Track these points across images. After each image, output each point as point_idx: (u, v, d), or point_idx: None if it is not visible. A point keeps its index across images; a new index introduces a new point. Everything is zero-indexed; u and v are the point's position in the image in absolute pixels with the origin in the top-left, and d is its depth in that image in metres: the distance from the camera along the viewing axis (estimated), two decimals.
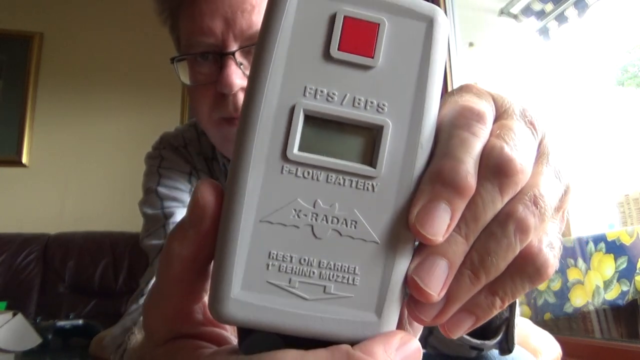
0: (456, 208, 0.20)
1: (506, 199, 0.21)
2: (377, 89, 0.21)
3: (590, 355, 1.59)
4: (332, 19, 0.21)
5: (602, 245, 1.62)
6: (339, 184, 0.20)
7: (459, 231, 0.20)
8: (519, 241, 0.21)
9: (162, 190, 0.71)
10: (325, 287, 0.20)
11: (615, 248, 1.58)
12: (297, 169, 0.20)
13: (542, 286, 1.81)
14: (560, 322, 1.82)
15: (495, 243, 0.21)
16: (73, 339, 1.81)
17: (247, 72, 0.62)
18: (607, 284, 1.57)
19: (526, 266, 0.22)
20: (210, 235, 0.21)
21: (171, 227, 0.69)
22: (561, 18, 2.16)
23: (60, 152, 2.65)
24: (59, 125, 2.67)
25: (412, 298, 0.21)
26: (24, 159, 2.59)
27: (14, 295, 2.06)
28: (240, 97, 0.62)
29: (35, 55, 2.67)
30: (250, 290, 0.20)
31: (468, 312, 0.22)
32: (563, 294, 1.73)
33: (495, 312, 0.22)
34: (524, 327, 0.91)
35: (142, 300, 0.65)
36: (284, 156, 0.20)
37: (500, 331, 0.50)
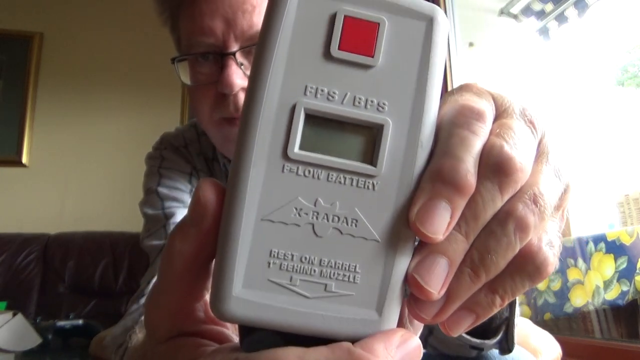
0: (456, 206, 0.20)
1: (506, 197, 0.21)
2: (377, 88, 0.21)
3: (590, 355, 1.59)
4: (333, 19, 0.21)
5: (602, 245, 1.63)
6: (340, 182, 0.21)
7: (459, 229, 0.21)
8: (518, 239, 0.21)
9: (162, 190, 0.71)
10: (326, 285, 0.20)
11: (615, 248, 1.58)
12: (298, 168, 0.20)
13: (542, 286, 1.81)
14: (560, 322, 1.82)
15: (495, 241, 0.21)
16: (73, 339, 1.81)
17: (248, 73, 0.62)
18: (607, 284, 1.57)
19: (526, 264, 0.22)
20: (212, 233, 0.21)
21: (172, 227, 0.69)
22: (561, 18, 2.16)
23: (60, 152, 2.65)
24: (59, 125, 2.67)
25: (413, 296, 0.21)
26: (24, 159, 2.59)
27: (14, 295, 2.06)
28: (241, 97, 0.62)
29: (35, 55, 2.67)
30: (252, 288, 0.20)
31: (468, 310, 0.22)
32: (563, 294, 1.73)
33: (496, 310, 0.22)
34: (524, 327, 0.91)
35: (142, 301, 0.65)
36: (285, 155, 0.20)
37: (500, 331, 0.50)
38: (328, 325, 0.20)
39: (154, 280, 0.24)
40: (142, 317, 0.57)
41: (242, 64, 0.62)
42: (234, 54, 0.61)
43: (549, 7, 2.20)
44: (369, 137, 0.21)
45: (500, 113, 0.24)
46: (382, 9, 0.21)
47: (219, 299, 0.20)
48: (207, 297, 0.24)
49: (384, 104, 0.21)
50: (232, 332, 0.25)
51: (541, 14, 2.24)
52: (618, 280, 1.54)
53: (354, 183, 0.21)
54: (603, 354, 1.57)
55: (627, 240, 1.55)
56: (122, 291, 2.19)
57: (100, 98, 2.72)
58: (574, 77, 2.21)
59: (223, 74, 0.61)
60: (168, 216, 0.70)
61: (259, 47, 0.21)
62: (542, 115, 0.24)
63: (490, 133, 0.22)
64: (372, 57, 0.21)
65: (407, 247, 0.21)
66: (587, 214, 1.92)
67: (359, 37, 0.21)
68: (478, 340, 0.51)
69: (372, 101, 0.21)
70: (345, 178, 0.21)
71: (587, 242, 1.67)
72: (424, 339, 0.59)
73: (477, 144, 0.21)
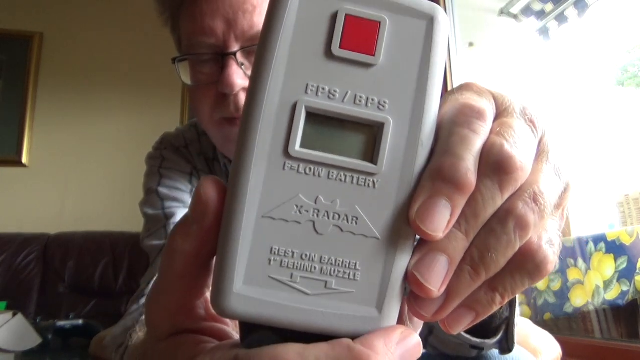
0: (456, 204, 0.20)
1: (506, 195, 0.21)
2: (378, 86, 0.21)
3: (590, 355, 1.59)
4: (334, 18, 0.21)
5: (602, 245, 1.63)
6: (341, 180, 0.21)
7: (459, 227, 0.21)
8: (518, 238, 0.21)
9: (163, 190, 0.72)
10: (326, 282, 0.20)
11: (615, 248, 1.58)
12: (299, 166, 0.20)
13: (542, 286, 1.81)
14: (560, 322, 1.82)
15: (495, 239, 0.21)
16: (73, 339, 1.81)
17: (249, 73, 0.62)
18: (607, 284, 1.57)
19: (526, 262, 0.22)
20: (213, 230, 0.21)
21: (172, 227, 0.69)
22: (561, 18, 2.16)
23: (60, 152, 2.65)
24: (59, 125, 2.67)
25: (413, 294, 0.21)
26: (24, 159, 2.59)
27: (14, 295, 2.06)
28: (242, 97, 0.63)
29: (35, 55, 2.67)
30: (253, 285, 0.20)
31: (468, 308, 0.22)
32: (563, 294, 1.73)
33: (495, 308, 0.22)
34: (524, 327, 0.91)
35: (142, 301, 0.65)
36: (286, 153, 0.20)
37: (500, 330, 0.50)
38: (328, 322, 0.20)
39: (155, 279, 0.24)
40: (143, 317, 0.57)
41: (242, 64, 0.62)
42: (234, 54, 0.61)
43: (549, 7, 2.20)
44: (370, 135, 0.21)
45: (501, 112, 0.24)
46: (383, 8, 0.21)
47: (220, 295, 0.20)
48: (208, 294, 0.24)
49: (384, 102, 0.21)
50: (233, 330, 0.25)
51: (541, 14, 2.25)
52: (618, 280, 1.54)
53: (355, 181, 0.21)
54: (603, 354, 1.57)
55: (627, 240, 1.55)
56: (122, 291, 2.19)
57: (100, 98, 2.72)
58: (574, 77, 2.21)
59: (224, 74, 0.61)
60: (168, 216, 0.70)
61: (260, 46, 0.21)
62: (543, 115, 0.24)
63: (491, 132, 0.22)
64: (373, 55, 0.21)
65: (407, 245, 0.21)
66: (587, 214, 1.92)
67: (360, 35, 0.21)
68: (478, 340, 0.51)
69: (372, 99, 0.21)
70: (345, 176, 0.21)
71: (587, 242, 1.67)
72: (424, 338, 0.59)
73: (477, 142, 0.21)
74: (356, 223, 0.21)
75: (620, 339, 1.64)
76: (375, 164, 0.21)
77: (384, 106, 0.21)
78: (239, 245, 0.20)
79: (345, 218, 0.21)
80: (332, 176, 0.21)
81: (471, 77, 2.01)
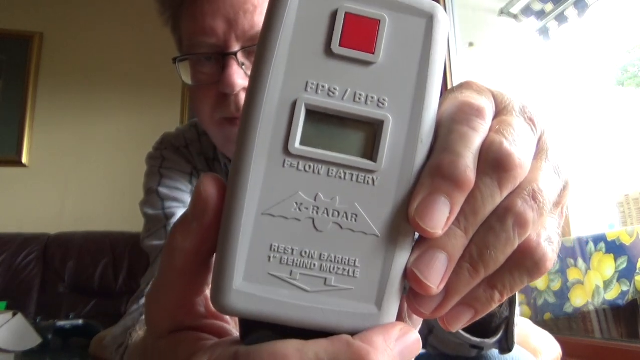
0: (455, 202, 0.20)
1: (505, 193, 0.21)
2: (377, 84, 0.21)
3: (590, 355, 1.59)
4: (334, 16, 0.21)
5: (602, 245, 1.63)
6: (340, 177, 0.21)
7: (458, 225, 0.21)
8: (517, 235, 0.21)
9: (163, 190, 0.72)
10: (326, 279, 0.20)
11: (615, 248, 1.58)
12: (298, 163, 0.21)
13: (542, 286, 1.81)
14: (560, 322, 1.82)
15: (494, 237, 0.21)
16: (73, 339, 1.81)
17: (249, 73, 0.62)
18: (607, 284, 1.57)
19: (525, 260, 0.22)
20: (213, 228, 0.21)
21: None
22: (561, 18, 2.16)
23: (60, 152, 2.65)
24: (59, 125, 2.68)
25: (412, 291, 0.21)
26: (24, 159, 2.59)
27: (14, 295, 2.06)
28: (242, 97, 0.63)
29: (35, 55, 2.67)
30: (252, 281, 0.20)
31: (467, 306, 0.22)
32: (563, 294, 1.73)
33: (494, 306, 0.22)
34: (524, 327, 0.91)
35: (142, 301, 0.65)
36: (286, 150, 0.20)
37: (500, 330, 0.50)
38: (328, 318, 0.20)
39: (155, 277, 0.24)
40: (143, 317, 0.57)
41: (243, 64, 0.62)
42: (235, 54, 0.61)
43: (549, 7, 2.20)
44: (369, 132, 0.21)
45: (500, 110, 0.24)
46: (382, 6, 0.21)
47: (219, 292, 0.20)
48: (208, 292, 0.24)
49: (384, 100, 0.21)
50: (233, 327, 0.25)
51: (541, 14, 2.25)
52: (618, 280, 1.54)
53: (354, 178, 0.21)
54: (603, 354, 1.57)
55: (627, 240, 1.55)
56: (122, 291, 2.19)
57: (100, 98, 2.72)
58: (574, 77, 2.21)
59: (224, 74, 0.61)
60: (168, 216, 0.70)
61: (260, 44, 0.21)
62: (542, 113, 0.24)
63: (490, 130, 0.22)
64: (373, 53, 0.21)
65: (406, 242, 0.21)
66: (587, 214, 1.93)
67: (359, 33, 0.21)
68: (478, 340, 0.51)
69: (372, 97, 0.21)
70: (345, 173, 0.21)
71: (587, 242, 1.67)
72: (424, 338, 0.59)
73: (476, 140, 0.21)
74: (356, 220, 0.21)
75: (620, 339, 1.64)
76: (375, 161, 0.21)
77: (383, 104, 0.21)
78: (239, 243, 0.20)
79: (345, 215, 0.21)
80: (332, 173, 0.21)
81: (471, 77, 2.01)
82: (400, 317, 0.22)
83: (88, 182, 2.64)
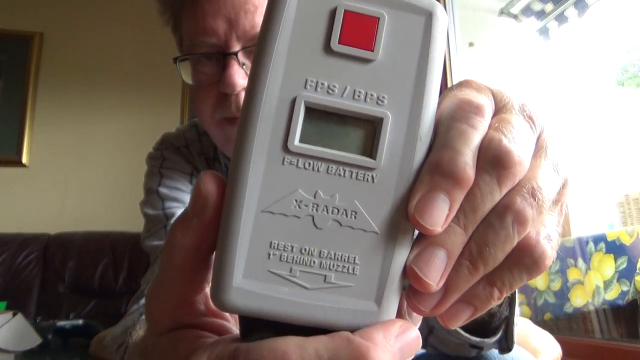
0: (455, 199, 0.20)
1: (504, 190, 0.21)
2: (377, 81, 0.21)
3: (590, 355, 1.59)
4: (333, 13, 0.21)
5: (602, 245, 1.63)
6: (340, 175, 0.21)
7: (458, 222, 0.21)
8: (516, 232, 0.21)
9: (163, 190, 0.72)
10: (325, 276, 0.20)
11: (615, 248, 1.58)
12: (298, 160, 0.21)
13: (542, 286, 1.81)
14: (560, 322, 1.82)
15: (494, 234, 0.21)
16: (73, 339, 1.81)
17: None
18: (607, 284, 1.57)
19: (524, 257, 0.22)
20: (213, 225, 0.21)
21: None
22: (561, 18, 2.16)
23: (60, 152, 2.65)
24: (59, 125, 2.68)
25: (411, 288, 0.21)
26: (24, 159, 2.59)
27: (14, 295, 2.06)
28: (243, 97, 0.63)
29: (35, 55, 2.67)
30: (252, 279, 0.20)
31: (466, 303, 0.22)
32: (563, 294, 1.73)
33: (494, 303, 0.22)
34: (524, 327, 0.91)
35: (142, 301, 0.65)
36: (285, 148, 0.20)
37: (499, 330, 0.50)
38: (327, 315, 0.20)
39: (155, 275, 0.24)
40: (143, 317, 0.57)
41: (244, 64, 0.62)
42: (236, 54, 0.62)
43: (549, 7, 2.20)
44: (369, 130, 0.21)
45: (500, 108, 0.24)
46: (381, 4, 0.21)
47: (219, 289, 0.20)
48: (208, 289, 0.24)
49: (383, 97, 0.21)
50: (233, 325, 0.25)
51: (541, 14, 2.25)
52: (618, 280, 1.54)
53: (354, 175, 0.21)
54: (603, 354, 1.57)
55: (627, 240, 1.55)
56: (122, 291, 2.19)
57: (100, 98, 2.72)
58: (574, 77, 2.21)
59: (225, 73, 0.61)
60: (169, 216, 0.70)
61: (260, 41, 0.21)
62: (541, 111, 0.24)
63: (489, 127, 0.22)
64: (372, 51, 0.21)
65: (406, 239, 0.21)
66: (587, 214, 1.92)
67: (359, 31, 0.21)
68: (478, 339, 0.51)
69: (371, 95, 0.21)
70: (344, 170, 0.21)
71: (587, 242, 1.67)
72: (424, 338, 0.59)
73: (475, 137, 0.21)
74: (355, 217, 0.21)
75: (620, 339, 1.64)
76: (374, 158, 0.21)
77: (382, 101, 0.21)
78: (239, 240, 0.20)
79: (344, 212, 0.21)
80: (331, 171, 0.21)
81: (471, 77, 2.00)
82: (399, 315, 0.22)
83: (88, 182, 2.64)
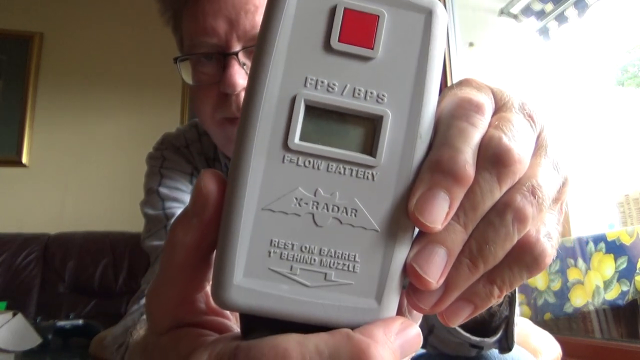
0: (455, 197, 0.20)
1: (504, 188, 0.21)
2: (376, 79, 0.21)
3: (590, 355, 1.59)
4: (333, 11, 0.21)
5: (602, 245, 1.63)
6: (340, 173, 0.21)
7: (458, 220, 0.21)
8: (516, 230, 0.21)
9: (163, 190, 0.72)
10: (326, 274, 0.20)
11: (615, 248, 1.58)
12: (298, 159, 0.21)
13: (542, 286, 1.81)
14: (560, 322, 1.82)
15: (494, 232, 0.21)
16: (73, 339, 1.81)
17: None
18: (607, 284, 1.57)
19: (524, 255, 0.22)
20: (213, 223, 0.21)
21: None
22: (561, 18, 2.16)
23: (60, 152, 2.65)
24: (59, 125, 2.68)
25: (412, 286, 0.21)
26: (24, 159, 2.59)
27: (14, 295, 2.06)
28: (243, 97, 0.62)
29: (35, 55, 2.67)
30: (252, 277, 0.20)
31: (466, 301, 0.22)
32: (563, 294, 1.73)
33: (494, 301, 0.22)
34: (524, 327, 0.91)
35: (143, 301, 0.65)
36: (285, 146, 0.20)
37: (499, 329, 0.50)
38: (328, 313, 0.20)
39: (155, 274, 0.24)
40: (143, 316, 0.57)
41: (244, 64, 0.62)
42: (236, 54, 0.62)
43: (549, 7, 2.20)
44: (369, 128, 0.21)
45: (500, 107, 0.24)
46: (381, 2, 0.21)
47: (220, 287, 0.20)
48: (208, 288, 0.24)
49: (383, 95, 0.21)
50: (234, 323, 0.25)
51: (541, 14, 2.24)
52: (618, 280, 1.54)
53: (354, 173, 0.21)
54: (603, 354, 1.57)
55: (627, 240, 1.55)
56: (122, 291, 2.19)
57: (100, 98, 2.72)
58: (574, 77, 2.21)
59: (225, 74, 0.61)
60: (169, 216, 0.70)
61: (259, 40, 0.21)
62: (541, 110, 0.24)
63: (489, 126, 0.22)
64: (372, 49, 0.21)
65: (406, 237, 0.21)
66: (587, 214, 1.92)
67: (358, 29, 0.21)
68: (478, 339, 0.51)
69: (371, 93, 0.21)
70: (345, 168, 0.21)
71: (587, 242, 1.67)
72: (425, 338, 0.58)
73: (475, 135, 0.21)
74: (355, 215, 0.21)
75: (620, 339, 1.64)
76: (374, 156, 0.21)
77: (382, 99, 0.21)
78: (239, 238, 0.20)
79: (345, 210, 0.21)
80: (331, 169, 0.21)
81: (471, 76, 2.00)
82: (400, 312, 0.22)
83: (88, 182, 2.64)
